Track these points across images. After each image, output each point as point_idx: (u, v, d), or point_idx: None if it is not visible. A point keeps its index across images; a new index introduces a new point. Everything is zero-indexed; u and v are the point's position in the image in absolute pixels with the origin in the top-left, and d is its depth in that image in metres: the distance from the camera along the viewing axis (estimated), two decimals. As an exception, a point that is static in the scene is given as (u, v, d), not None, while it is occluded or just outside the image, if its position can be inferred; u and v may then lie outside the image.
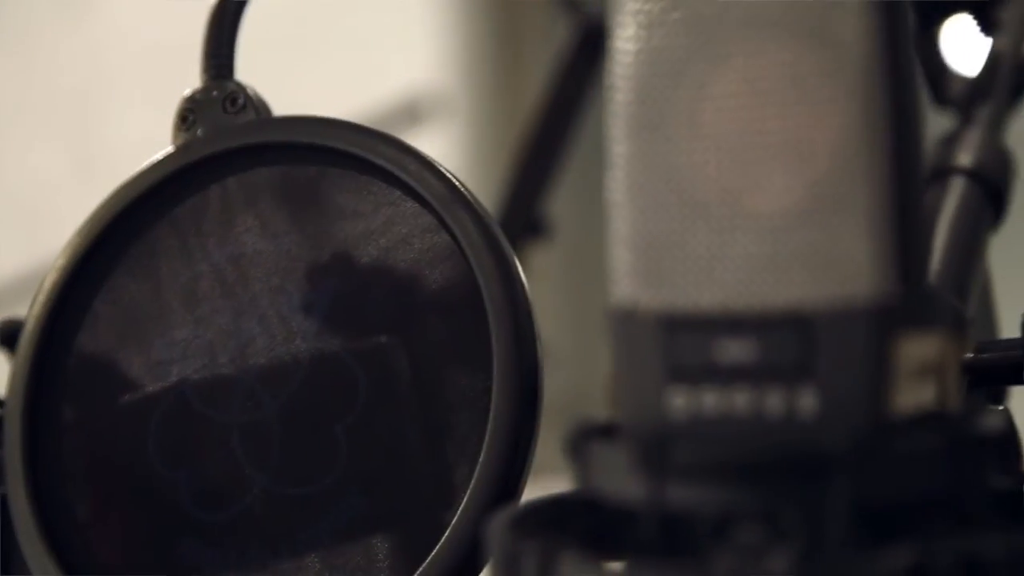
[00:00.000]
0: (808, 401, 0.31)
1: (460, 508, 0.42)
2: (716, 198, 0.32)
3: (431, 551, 0.42)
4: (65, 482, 0.48)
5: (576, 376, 0.88)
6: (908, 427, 0.31)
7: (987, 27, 0.66)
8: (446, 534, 0.42)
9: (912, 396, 0.32)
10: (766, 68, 0.31)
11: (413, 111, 1.96)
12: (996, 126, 0.61)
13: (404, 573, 0.43)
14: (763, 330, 0.31)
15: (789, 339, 0.31)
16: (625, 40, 0.33)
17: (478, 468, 0.42)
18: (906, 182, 0.32)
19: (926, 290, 0.33)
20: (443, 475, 0.43)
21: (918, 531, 0.30)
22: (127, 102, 2.36)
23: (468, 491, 0.42)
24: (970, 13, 0.66)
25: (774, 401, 0.31)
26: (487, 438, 0.42)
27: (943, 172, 0.57)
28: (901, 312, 0.31)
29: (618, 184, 0.33)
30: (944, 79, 0.65)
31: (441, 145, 2.06)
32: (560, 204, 0.91)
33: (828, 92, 0.31)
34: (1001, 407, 0.41)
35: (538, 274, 0.98)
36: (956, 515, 0.31)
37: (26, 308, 0.50)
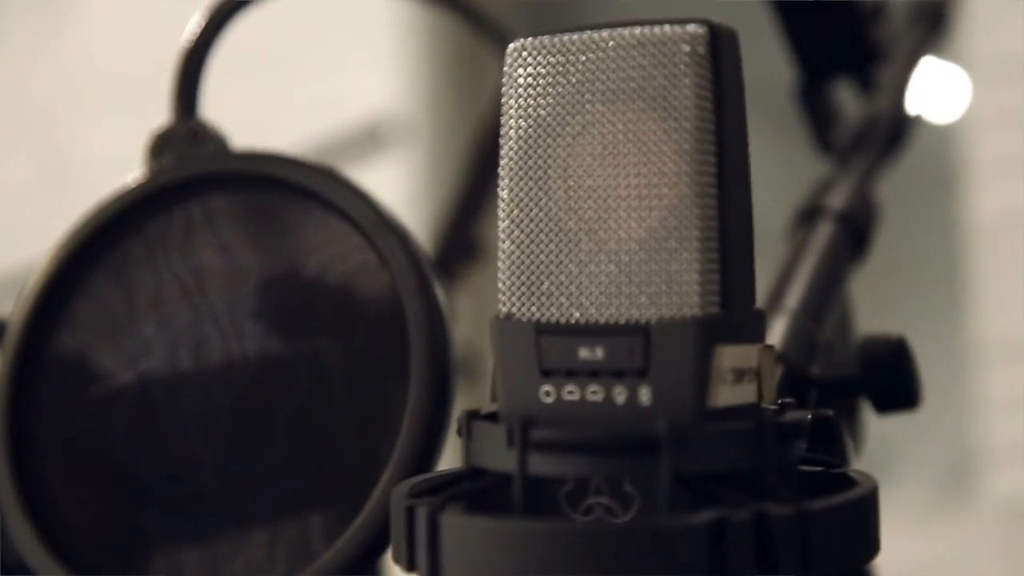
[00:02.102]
0: (645, 395, 0.39)
1: (380, 484, 0.50)
2: (581, 234, 0.40)
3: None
4: (43, 459, 0.55)
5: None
6: (724, 417, 0.39)
7: (867, 85, 0.75)
8: (367, 505, 0.50)
9: (731, 393, 0.40)
10: (620, 131, 0.40)
11: (375, 136, 2.03)
12: (868, 176, 0.70)
13: (333, 539, 0.51)
14: (613, 339, 0.39)
15: (632, 347, 0.39)
16: (514, 106, 0.41)
17: (396, 451, 0.50)
18: (732, 225, 0.40)
19: (747, 311, 0.41)
20: (368, 457, 0.51)
21: (727, 497, 0.38)
22: (96, 117, 2.42)
23: (387, 470, 0.50)
24: (853, 72, 0.75)
25: (619, 394, 0.39)
26: (404, 427, 0.50)
27: (816, 212, 0.66)
28: (722, 328, 0.39)
29: (504, 219, 0.41)
30: (828, 129, 0.73)
31: (401, 169, 2.13)
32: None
33: (667, 151, 0.39)
34: (831, 412, 0.49)
35: (476, 289, 1.06)
36: (758, 486, 0.39)
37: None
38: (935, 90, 1.71)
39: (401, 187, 2.08)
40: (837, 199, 0.66)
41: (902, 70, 0.77)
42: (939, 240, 1.92)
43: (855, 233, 0.65)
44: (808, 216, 0.66)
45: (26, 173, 2.51)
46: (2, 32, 2.54)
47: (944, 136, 1.89)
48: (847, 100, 0.76)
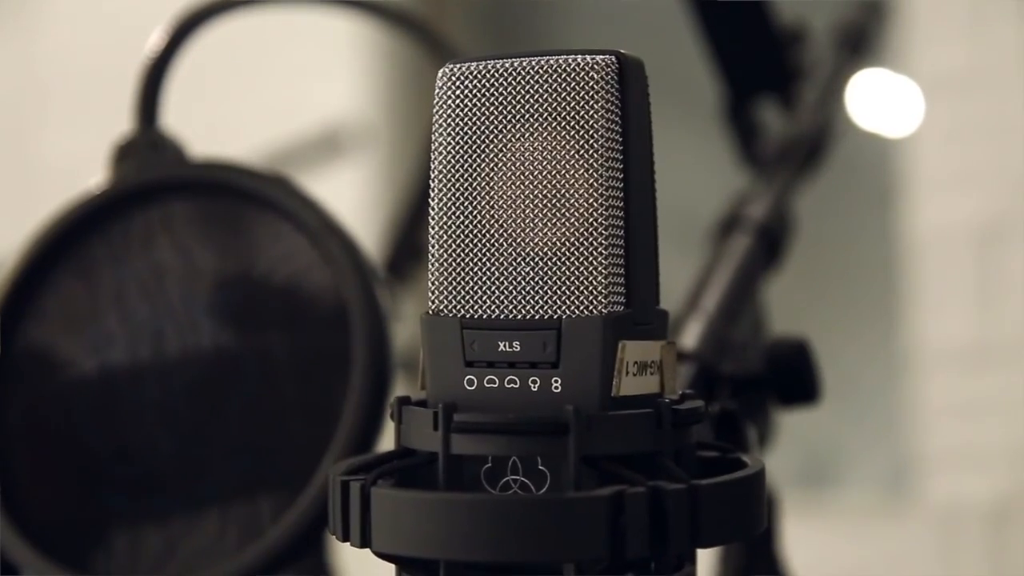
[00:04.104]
0: (556, 383, 0.44)
1: (322, 466, 0.55)
2: (501, 240, 0.45)
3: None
4: (12, 444, 0.59)
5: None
6: (627, 404, 0.44)
7: (789, 103, 0.80)
8: (311, 485, 0.54)
9: (634, 384, 0.45)
10: (537, 149, 0.44)
11: (334, 141, 2.07)
12: (786, 190, 0.75)
13: (280, 516, 0.55)
14: (529, 334, 0.44)
15: (546, 341, 0.44)
16: (443, 125, 0.46)
17: (337, 436, 0.55)
18: (636, 233, 0.45)
19: (650, 310, 0.46)
20: (312, 442, 0.56)
21: (627, 476, 0.43)
22: (59, 118, 2.45)
23: (328, 453, 0.55)
24: (775, 91, 0.80)
25: (534, 383, 0.44)
26: (344, 415, 0.55)
27: (735, 222, 0.71)
28: (626, 325, 0.44)
29: (434, 226, 0.46)
30: (751, 144, 0.79)
31: (361, 174, 2.17)
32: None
33: (578, 167, 0.44)
34: (735, 405, 0.54)
35: (424, 290, 1.10)
36: (656, 466, 0.44)
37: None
38: (889, 103, 1.77)
39: (360, 192, 2.12)
40: (756, 210, 0.71)
41: (823, 90, 0.82)
42: (880, 250, 1.98)
43: (771, 243, 0.70)
44: (729, 225, 0.71)
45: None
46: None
47: (886, 148, 1.95)
48: (771, 117, 0.81)
